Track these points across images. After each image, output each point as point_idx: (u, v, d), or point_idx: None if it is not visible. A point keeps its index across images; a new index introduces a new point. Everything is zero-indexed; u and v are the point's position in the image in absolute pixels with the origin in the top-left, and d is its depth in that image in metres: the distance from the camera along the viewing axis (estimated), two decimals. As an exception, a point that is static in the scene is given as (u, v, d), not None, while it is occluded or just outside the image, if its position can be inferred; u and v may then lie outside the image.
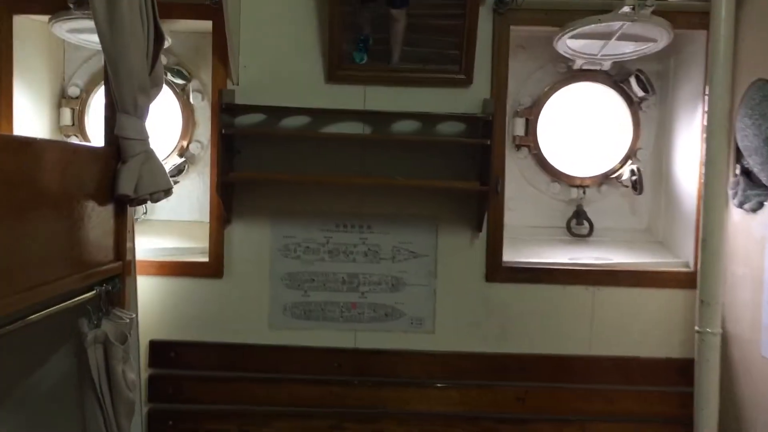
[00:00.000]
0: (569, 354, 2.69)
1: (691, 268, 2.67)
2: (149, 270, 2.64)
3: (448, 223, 2.67)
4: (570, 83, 2.87)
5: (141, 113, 2.14)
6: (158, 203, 2.79)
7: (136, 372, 2.52)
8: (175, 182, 2.82)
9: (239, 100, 2.54)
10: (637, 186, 2.79)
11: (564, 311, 2.69)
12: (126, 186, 2.11)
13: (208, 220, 2.66)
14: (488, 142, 2.46)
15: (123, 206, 2.21)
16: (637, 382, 2.68)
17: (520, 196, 2.88)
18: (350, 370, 2.69)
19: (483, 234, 2.65)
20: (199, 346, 2.67)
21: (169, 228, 2.86)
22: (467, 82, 2.59)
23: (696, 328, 2.40)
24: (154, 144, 2.16)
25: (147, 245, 2.70)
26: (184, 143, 2.84)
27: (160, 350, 2.67)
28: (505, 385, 2.69)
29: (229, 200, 2.61)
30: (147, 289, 2.64)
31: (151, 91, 2.18)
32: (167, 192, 2.26)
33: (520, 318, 2.69)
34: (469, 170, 2.62)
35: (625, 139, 2.89)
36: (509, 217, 2.74)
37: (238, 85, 2.58)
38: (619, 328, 2.69)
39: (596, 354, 2.69)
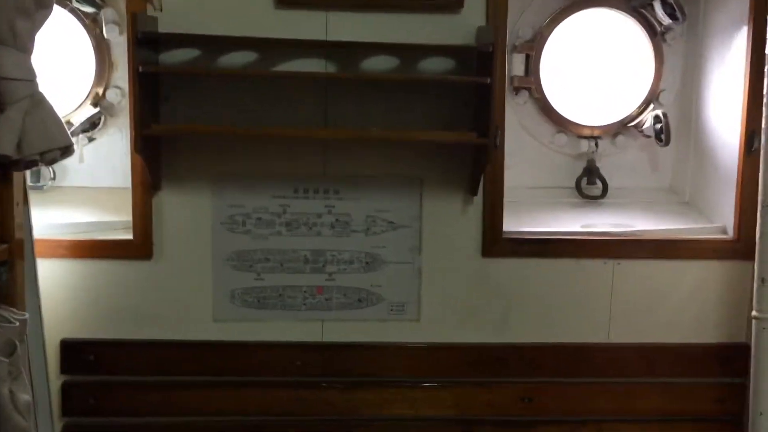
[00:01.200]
0: (584, 342, 2.21)
1: (730, 235, 2.19)
2: (58, 251, 2.08)
3: (434, 186, 2.14)
4: (579, 10, 2.33)
5: (22, 44, 1.58)
6: (70, 166, 2.26)
7: (43, 382, 1.99)
8: (91, 139, 2.26)
9: (164, 28, 1.96)
10: (662, 136, 2.28)
11: (577, 291, 2.20)
12: (5, 144, 1.55)
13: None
14: (488, 81, 1.92)
15: (5, 171, 1.65)
16: (664, 374, 2.22)
17: (519, 151, 2.34)
18: (316, 369, 2.17)
19: (478, 198, 2.13)
20: (124, 346, 2.12)
21: (85, 197, 2.27)
22: (457, 5, 2.04)
23: (753, 313, 1.94)
24: (46, 87, 1.63)
25: (55, 220, 2.13)
26: (99, 90, 2.24)
27: (75, 352, 2.11)
28: (506, 383, 2.20)
29: (155, 161, 2.04)
30: (55, 275, 2.07)
31: (35, 13, 1.61)
32: (65, 151, 1.70)
33: (524, 300, 2.19)
34: (459, 118, 2.09)
35: (645, 79, 2.39)
36: (506, 177, 2.21)
37: (161, 11, 1.99)
38: (643, 310, 2.20)
39: (616, 342, 2.21)
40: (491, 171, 2.10)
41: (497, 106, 2.01)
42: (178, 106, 2.05)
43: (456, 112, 2.09)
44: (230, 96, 2.05)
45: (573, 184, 2.40)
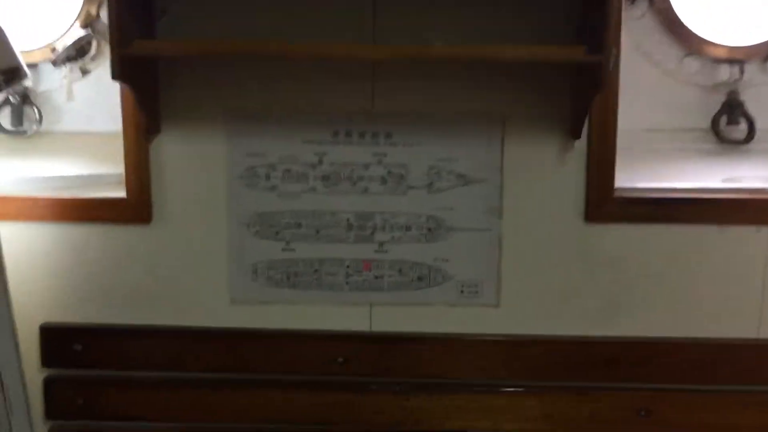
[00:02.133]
0: (724, 338, 1.62)
1: None
2: (34, 212, 1.63)
3: (521, 126, 1.58)
4: None
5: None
6: (61, 106, 1.79)
7: (16, 377, 1.55)
8: (84, 72, 1.79)
9: None
10: (837, 56, 1.65)
11: (716, 268, 1.62)
12: None
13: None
14: (602, -27, 1.33)
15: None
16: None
17: (633, 82, 1.72)
18: (363, 367, 1.66)
19: (581, 143, 1.57)
20: (119, 334, 1.67)
21: (77, 144, 1.81)
22: None
23: None
24: None
25: (36, 173, 1.68)
26: (92, 8, 1.75)
27: (58, 341, 1.67)
28: (616, 389, 1.64)
29: (151, 96, 1.55)
30: (32, 242, 1.64)
31: None
32: (12, 75, 1.24)
33: (640, 281, 1.63)
34: (553, 33, 1.52)
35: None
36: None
37: None
38: (808, 295, 1.62)
39: (768, 338, 1.63)
40: (601, 104, 1.53)
41: (613, 12, 1.41)
42: (179, 22, 1.54)
43: (548, 24, 1.51)
44: (247, 5, 1.53)
45: (708, 124, 1.78)
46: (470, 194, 1.61)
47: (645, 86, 1.76)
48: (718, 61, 1.76)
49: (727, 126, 1.77)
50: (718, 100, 1.77)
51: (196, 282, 1.66)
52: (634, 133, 1.74)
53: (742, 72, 1.75)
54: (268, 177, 1.62)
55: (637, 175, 1.66)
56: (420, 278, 1.65)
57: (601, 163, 1.57)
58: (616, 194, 1.59)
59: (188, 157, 1.61)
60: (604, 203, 1.59)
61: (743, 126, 1.76)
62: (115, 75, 1.38)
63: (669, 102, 1.80)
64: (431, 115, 1.59)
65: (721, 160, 1.74)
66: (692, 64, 1.77)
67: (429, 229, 1.63)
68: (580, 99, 1.50)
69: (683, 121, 1.80)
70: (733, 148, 1.76)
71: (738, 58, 1.76)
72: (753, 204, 1.60)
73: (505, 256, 1.63)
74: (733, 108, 1.76)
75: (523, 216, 1.62)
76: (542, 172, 1.60)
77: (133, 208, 1.62)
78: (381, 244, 1.64)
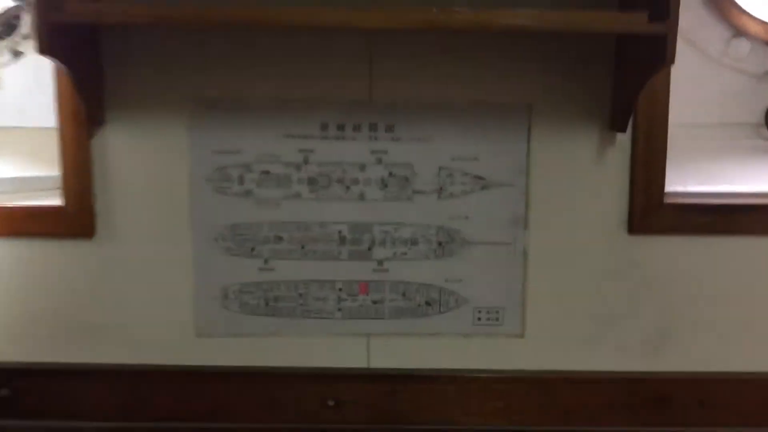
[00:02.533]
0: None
1: None
2: (-51, 226, 1.31)
3: (552, 117, 1.29)
4: None
5: None
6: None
7: None
8: (17, 53, 1.48)
9: None
10: None
11: (788, 290, 1.35)
12: None
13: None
14: None
15: None
16: None
17: (673, 68, 1.47)
18: (359, 412, 1.36)
19: (625, 139, 1.29)
20: (57, 375, 1.34)
21: (7, 141, 1.49)
22: None
23: None
24: None
25: (-47, 176, 1.36)
26: (24, -25, 1.44)
27: (-21, 384, 1.35)
28: (666, 436, 1.37)
29: (92, 76, 1.24)
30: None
31: None
32: None
33: (695, 305, 1.35)
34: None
35: None
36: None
37: None
38: None
39: None
40: (648, 92, 1.25)
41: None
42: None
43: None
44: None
45: (762, 118, 1.52)
46: (489, 200, 1.32)
47: (686, 73, 1.48)
48: (773, 42, 1.51)
49: (785, 119, 1.50)
50: (773, 90, 1.51)
51: (153, 310, 1.34)
52: (673, 127, 1.47)
53: (801, 56, 1.49)
54: (241, 180, 1.31)
55: (684, 178, 1.39)
56: (428, 303, 1.35)
57: (648, 163, 1.29)
58: (667, 200, 1.31)
59: (140, 155, 1.29)
60: (653, 211, 1.30)
61: (803, 119, 1.50)
62: (43, 48, 1.06)
63: (714, 92, 1.53)
64: (443, 104, 1.29)
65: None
66: (741, 45, 1.50)
67: (439, 243, 1.33)
68: (628, 82, 1.22)
69: (731, 115, 1.53)
70: (793, 145, 1.50)
71: (796, 39, 1.50)
72: (828, 211, 1.33)
73: (532, 275, 1.34)
74: (791, 98, 1.50)
75: (553, 227, 1.33)
76: (577, 173, 1.31)
77: (72, 218, 1.30)
78: (380, 261, 1.34)
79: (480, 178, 1.31)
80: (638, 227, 1.31)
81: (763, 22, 1.50)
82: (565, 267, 1.34)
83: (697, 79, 1.51)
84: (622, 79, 1.24)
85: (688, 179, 1.39)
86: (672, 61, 1.09)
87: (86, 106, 1.23)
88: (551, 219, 1.33)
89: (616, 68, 1.26)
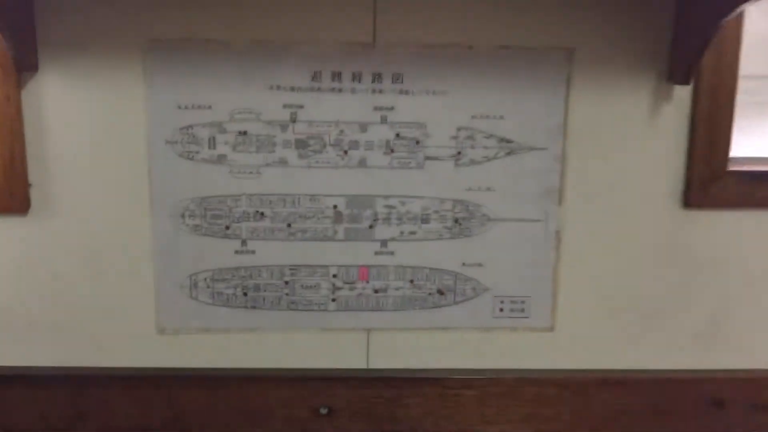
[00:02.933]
0: None
1: None
2: None
3: (595, 65, 1.05)
4: None
5: None
6: None
7: None
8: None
9: None
10: None
11: None
12: None
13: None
14: None
15: None
16: None
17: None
18: (356, 420, 1.14)
19: (684, 91, 1.06)
20: (-14, 382, 1.11)
21: None
22: None
23: None
24: None
25: None
26: None
27: None
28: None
29: (20, 8, 0.97)
30: None
31: None
32: None
33: (759, 292, 1.14)
34: None
35: None
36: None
37: None
38: None
39: None
40: (717, 35, 1.01)
41: None
42: None
43: None
44: None
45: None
46: (517, 168, 1.08)
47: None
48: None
49: None
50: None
51: (104, 302, 1.09)
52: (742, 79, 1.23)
53: None
54: (212, 143, 1.05)
55: (747, 139, 1.16)
56: (441, 292, 1.12)
57: (712, 123, 1.06)
58: (731, 167, 1.09)
59: (83, 110, 1.03)
60: (714, 180, 1.08)
61: None
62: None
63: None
64: (462, 49, 1.04)
65: None
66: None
67: (456, 221, 1.10)
68: (694, 22, 0.98)
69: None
70: None
71: None
72: None
73: (565, 258, 1.11)
74: None
75: (592, 200, 1.10)
76: (624, 134, 1.07)
77: (1, 190, 1.04)
78: (384, 242, 1.10)
79: (506, 140, 1.07)
80: (695, 200, 1.09)
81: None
82: (605, 249, 1.12)
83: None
84: (688, 19, 1.01)
85: (756, 143, 1.17)
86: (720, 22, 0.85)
87: (12, 47, 0.96)
88: (591, 191, 1.09)
89: (679, 5, 1.02)
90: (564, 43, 1.05)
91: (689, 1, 1.00)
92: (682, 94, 1.06)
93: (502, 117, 1.07)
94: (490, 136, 1.07)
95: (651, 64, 1.05)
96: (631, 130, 1.07)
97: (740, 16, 1.03)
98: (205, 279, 1.10)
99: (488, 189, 1.09)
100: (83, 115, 1.03)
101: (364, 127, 1.06)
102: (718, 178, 1.08)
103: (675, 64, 1.03)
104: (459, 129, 1.07)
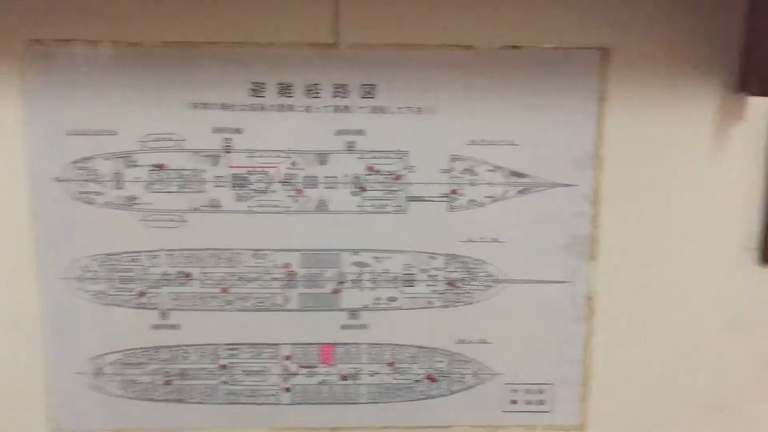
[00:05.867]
0: None
1: None
2: None
3: (639, 70, 0.78)
4: None
5: None
6: None
7: None
8: None
9: None
10: None
11: None
12: None
13: None
14: None
15: None
16: None
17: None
18: None
19: (765, 105, 0.78)
20: None
21: None
22: None
23: None
24: None
25: None
26: None
27: None
28: None
29: None
30: None
31: None
32: None
33: None
34: None
35: None
36: None
37: None
38: None
39: None
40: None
41: None
42: None
43: None
44: None
45: None
46: (533, 212, 0.80)
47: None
48: None
49: None
50: None
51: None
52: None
53: None
54: (118, 180, 0.78)
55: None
56: (431, 378, 0.83)
57: (801, 147, 0.78)
58: (829, 209, 0.80)
59: (-54, 138, 0.76)
60: (804, 228, 0.79)
61: None
62: None
63: None
64: (457, 50, 0.77)
65: None
66: None
67: (450, 283, 0.81)
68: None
69: None
70: None
71: None
72: None
73: (599, 332, 0.82)
74: None
75: (636, 254, 0.81)
76: (678, 164, 0.79)
77: None
78: (354, 312, 0.81)
79: (518, 174, 0.79)
80: (779, 255, 0.80)
81: None
82: (654, 320, 0.83)
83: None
84: (766, 16, 0.73)
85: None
86: None
87: None
88: (633, 242, 0.81)
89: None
90: (596, 42, 0.77)
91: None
92: (760, 108, 0.77)
93: (512, 142, 0.79)
94: (495, 169, 0.79)
95: (715, 70, 0.77)
96: (690, 157, 0.79)
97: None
98: (113, 364, 0.81)
99: (494, 240, 0.80)
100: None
101: (323, 158, 0.78)
102: (810, 224, 0.79)
103: (747, 68, 0.75)
104: (453, 159, 0.79)
